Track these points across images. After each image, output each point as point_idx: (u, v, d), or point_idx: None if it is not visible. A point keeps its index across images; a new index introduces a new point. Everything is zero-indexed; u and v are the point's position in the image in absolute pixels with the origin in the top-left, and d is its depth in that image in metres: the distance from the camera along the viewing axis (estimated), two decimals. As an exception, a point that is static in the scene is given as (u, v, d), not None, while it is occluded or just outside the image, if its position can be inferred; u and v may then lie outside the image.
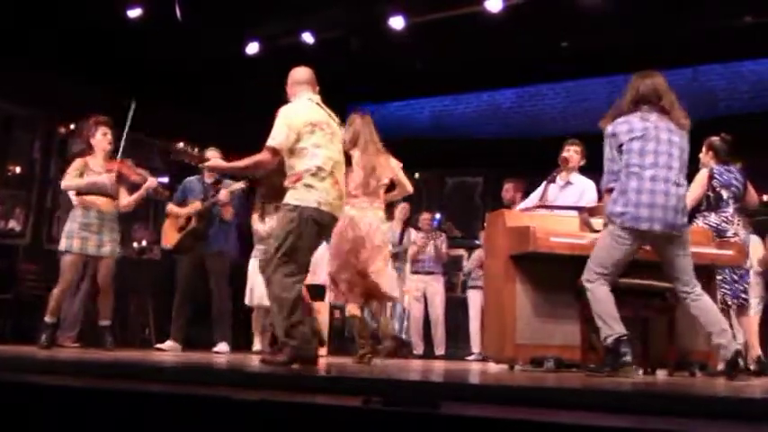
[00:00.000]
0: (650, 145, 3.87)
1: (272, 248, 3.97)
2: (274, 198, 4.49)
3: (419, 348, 8.20)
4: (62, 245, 5.61)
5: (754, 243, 6.19)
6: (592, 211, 4.64)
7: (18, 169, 8.23)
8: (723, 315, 4.58)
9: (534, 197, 5.58)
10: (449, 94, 10.39)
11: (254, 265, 7.02)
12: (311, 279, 5.08)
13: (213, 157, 5.02)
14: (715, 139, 5.30)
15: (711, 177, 5.24)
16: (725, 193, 5.23)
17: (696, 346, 4.72)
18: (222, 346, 6.28)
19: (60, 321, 5.87)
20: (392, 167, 5.02)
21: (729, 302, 5.17)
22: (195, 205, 6.38)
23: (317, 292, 6.29)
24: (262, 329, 7.00)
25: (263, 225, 6.98)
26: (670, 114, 3.96)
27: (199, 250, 6.35)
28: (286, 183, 4.03)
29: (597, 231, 4.29)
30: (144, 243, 8.08)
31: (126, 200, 5.83)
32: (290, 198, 3.99)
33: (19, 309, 7.22)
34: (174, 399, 2.16)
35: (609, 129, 3.98)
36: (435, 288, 8.31)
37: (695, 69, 8.60)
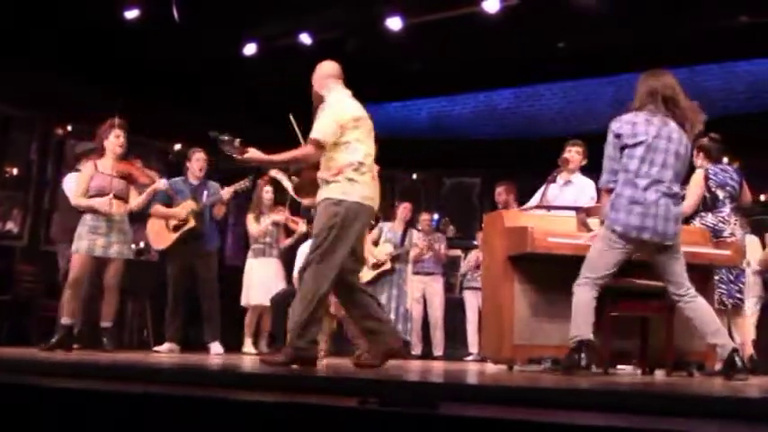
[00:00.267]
0: (649, 153, 3.87)
1: (314, 242, 3.96)
2: (304, 191, 4.52)
3: (417, 349, 8.20)
4: (72, 247, 5.65)
5: (751, 242, 6.20)
6: (589, 212, 4.65)
7: (15, 170, 8.23)
8: (720, 315, 4.60)
9: (536, 197, 5.59)
10: (446, 95, 10.39)
11: (250, 265, 7.02)
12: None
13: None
14: (704, 140, 5.32)
15: (707, 178, 5.25)
16: (721, 193, 5.25)
17: (694, 346, 4.72)
18: (216, 346, 6.28)
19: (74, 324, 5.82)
20: None
21: (726, 302, 5.18)
22: (190, 204, 6.37)
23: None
24: (256, 330, 6.99)
25: (258, 226, 6.97)
26: (677, 116, 3.95)
27: (190, 250, 6.35)
28: (327, 176, 3.99)
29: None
30: (142, 244, 8.07)
31: (134, 201, 5.85)
32: (334, 192, 3.96)
33: (15, 310, 7.21)
34: (172, 400, 2.16)
35: (614, 127, 3.97)
36: (435, 289, 8.31)
37: (692, 69, 8.62)
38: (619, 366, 5.03)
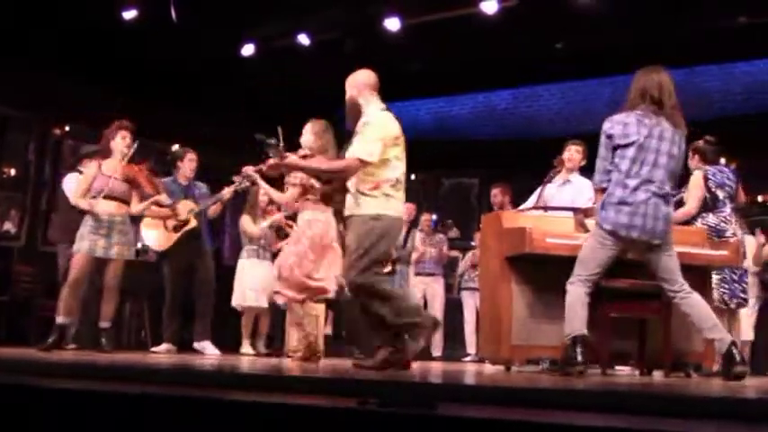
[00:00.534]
0: (641, 153, 3.88)
1: (352, 258, 4.01)
2: (330, 200, 4.65)
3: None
4: (74, 246, 5.64)
5: (751, 243, 6.22)
6: (587, 212, 4.65)
7: (13, 171, 8.23)
8: (720, 314, 4.61)
9: (533, 199, 5.59)
10: (445, 96, 10.39)
11: (242, 266, 6.98)
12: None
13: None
14: (699, 142, 5.33)
15: (706, 179, 5.26)
16: (720, 194, 5.26)
17: (692, 347, 4.73)
18: (208, 346, 6.28)
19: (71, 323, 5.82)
20: None
21: (728, 302, 5.18)
22: (189, 204, 6.35)
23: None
24: (253, 331, 6.97)
25: (255, 227, 6.92)
26: (668, 115, 3.95)
27: (190, 250, 6.34)
28: (363, 188, 4.03)
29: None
30: (140, 245, 8.06)
31: (135, 207, 5.84)
32: (372, 207, 4.01)
33: (13, 310, 7.21)
34: (170, 401, 2.16)
35: (606, 127, 3.98)
36: (435, 290, 8.31)
37: (691, 70, 8.63)
38: (617, 367, 5.04)
